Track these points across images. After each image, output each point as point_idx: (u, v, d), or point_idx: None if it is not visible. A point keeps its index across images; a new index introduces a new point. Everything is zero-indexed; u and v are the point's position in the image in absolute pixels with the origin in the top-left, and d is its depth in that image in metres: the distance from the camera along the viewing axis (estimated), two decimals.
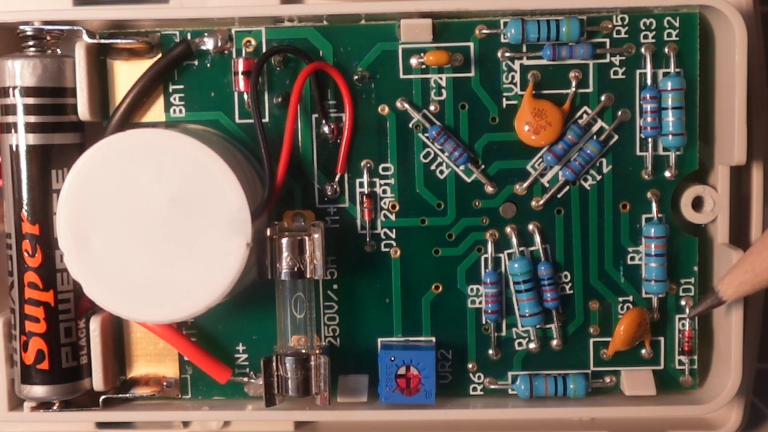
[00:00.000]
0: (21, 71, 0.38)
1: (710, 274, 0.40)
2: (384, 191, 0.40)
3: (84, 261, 0.35)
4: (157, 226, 0.35)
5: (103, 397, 0.40)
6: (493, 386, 0.41)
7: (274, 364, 0.38)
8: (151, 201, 0.35)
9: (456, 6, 0.38)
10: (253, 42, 0.39)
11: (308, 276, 0.37)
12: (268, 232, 0.37)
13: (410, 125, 0.40)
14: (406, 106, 0.39)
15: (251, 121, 0.39)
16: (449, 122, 0.40)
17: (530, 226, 0.40)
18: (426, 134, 0.40)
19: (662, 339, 0.41)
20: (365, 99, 0.39)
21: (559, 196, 0.40)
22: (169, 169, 0.35)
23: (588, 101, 0.39)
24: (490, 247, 0.40)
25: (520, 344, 0.41)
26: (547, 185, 0.40)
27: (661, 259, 0.39)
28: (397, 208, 0.40)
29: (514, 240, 0.40)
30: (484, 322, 0.41)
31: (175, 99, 0.40)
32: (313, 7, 0.39)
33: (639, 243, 0.40)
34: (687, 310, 0.40)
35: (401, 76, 0.39)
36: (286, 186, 0.40)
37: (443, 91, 0.39)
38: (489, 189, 0.40)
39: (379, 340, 0.41)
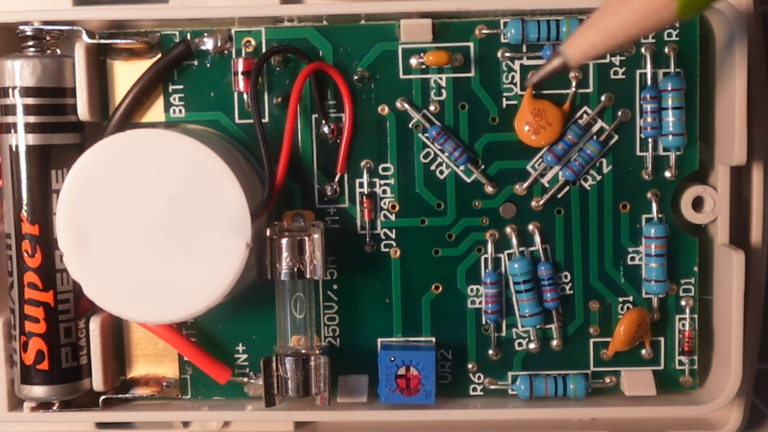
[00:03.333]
0: (21, 71, 0.37)
1: (710, 275, 0.40)
2: (384, 191, 0.40)
3: (84, 261, 0.35)
4: (157, 226, 0.35)
5: (103, 397, 0.40)
6: (493, 386, 0.41)
7: (273, 364, 0.38)
8: (150, 201, 0.35)
9: (456, 6, 0.38)
10: (253, 42, 0.39)
11: (308, 276, 0.37)
12: (268, 233, 0.37)
13: (410, 125, 0.40)
14: (406, 106, 0.39)
15: (251, 121, 0.39)
16: (449, 122, 0.40)
17: (530, 227, 0.40)
18: (426, 134, 0.40)
19: (662, 339, 0.41)
20: (365, 99, 0.39)
21: (559, 196, 0.40)
22: (169, 169, 0.35)
23: (588, 101, 0.39)
24: (490, 247, 0.40)
25: (520, 344, 0.41)
26: (547, 185, 0.40)
27: (661, 259, 0.39)
28: (397, 208, 0.40)
29: (514, 240, 0.40)
30: (484, 322, 0.40)
31: (174, 99, 0.40)
32: (313, 7, 0.39)
33: (639, 243, 0.40)
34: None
35: (401, 76, 0.39)
36: (286, 186, 0.40)
37: (443, 91, 0.39)
38: (489, 189, 0.40)
39: (379, 340, 0.41)
